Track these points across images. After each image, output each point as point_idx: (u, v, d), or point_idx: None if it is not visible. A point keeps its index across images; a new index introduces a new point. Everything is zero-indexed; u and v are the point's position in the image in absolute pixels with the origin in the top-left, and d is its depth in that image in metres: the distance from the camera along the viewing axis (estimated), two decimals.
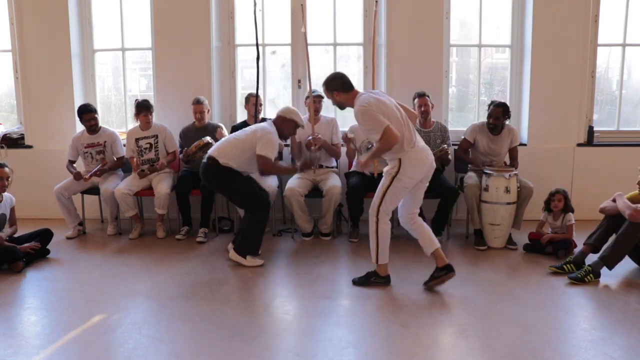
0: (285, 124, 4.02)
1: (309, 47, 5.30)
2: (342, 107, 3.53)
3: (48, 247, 4.24)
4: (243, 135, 3.96)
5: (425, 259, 4.08)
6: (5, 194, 4.09)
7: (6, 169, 3.97)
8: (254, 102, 4.75)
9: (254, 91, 4.72)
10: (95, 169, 4.71)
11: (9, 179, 4.00)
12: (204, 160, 3.96)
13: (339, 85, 3.42)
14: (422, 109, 4.59)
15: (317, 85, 5.24)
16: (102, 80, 5.66)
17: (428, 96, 4.65)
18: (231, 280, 3.68)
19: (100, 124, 4.92)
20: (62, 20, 5.20)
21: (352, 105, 3.41)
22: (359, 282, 3.55)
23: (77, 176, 4.67)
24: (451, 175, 4.96)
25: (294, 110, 4.08)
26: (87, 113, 4.76)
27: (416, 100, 4.63)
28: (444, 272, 3.44)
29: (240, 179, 3.93)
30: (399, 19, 5.06)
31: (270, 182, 4.63)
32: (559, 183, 4.64)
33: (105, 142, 4.86)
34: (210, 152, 3.95)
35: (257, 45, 4.53)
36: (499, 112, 4.46)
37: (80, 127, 5.03)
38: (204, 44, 5.14)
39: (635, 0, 5.14)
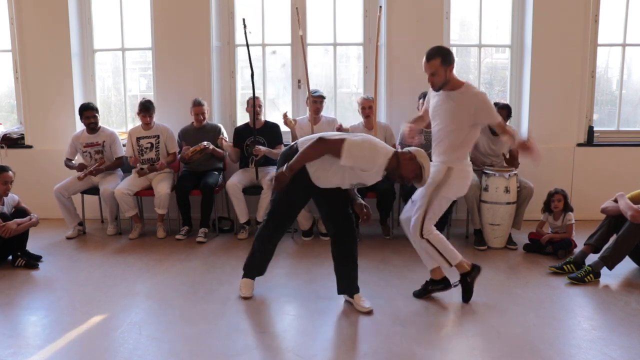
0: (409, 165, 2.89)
1: (309, 47, 5.34)
2: (440, 88, 3.07)
3: (40, 253, 4.17)
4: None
5: None
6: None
7: (10, 173, 4.00)
8: (255, 104, 4.72)
9: (254, 95, 4.70)
10: (91, 167, 4.71)
11: (12, 183, 4.04)
12: None
13: (452, 58, 3.05)
14: None
15: (316, 85, 5.26)
16: (102, 80, 5.66)
17: None
18: (231, 280, 3.68)
19: (100, 123, 4.93)
20: (62, 20, 5.20)
21: (452, 84, 3.07)
22: (467, 296, 3.26)
23: (81, 167, 4.73)
24: None
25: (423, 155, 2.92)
26: (88, 110, 4.78)
27: (420, 100, 4.62)
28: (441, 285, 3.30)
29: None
30: (399, 19, 5.06)
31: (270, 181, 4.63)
32: (559, 183, 4.63)
33: (104, 142, 4.86)
34: None
35: (251, 66, 4.46)
36: (504, 115, 4.44)
37: (80, 127, 5.04)
38: (204, 44, 5.14)
39: (635, 0, 5.15)
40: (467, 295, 3.25)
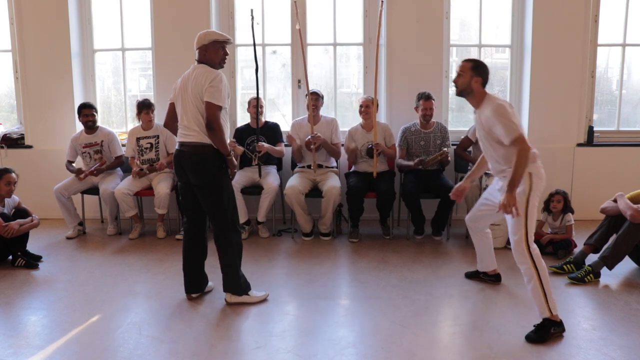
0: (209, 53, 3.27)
1: (309, 47, 5.33)
2: (463, 94, 3.06)
3: (40, 253, 4.19)
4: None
5: (425, 259, 4.09)
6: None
7: (13, 174, 4.03)
8: (254, 104, 4.73)
9: (254, 93, 4.71)
10: (92, 167, 4.72)
11: (15, 184, 4.06)
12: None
13: (485, 75, 3.03)
14: (427, 112, 4.59)
15: (316, 85, 5.26)
16: (102, 80, 5.66)
17: (434, 99, 4.63)
18: None
19: (100, 123, 4.95)
20: (62, 20, 5.20)
21: (476, 101, 3.04)
22: (537, 338, 2.77)
23: (79, 172, 4.72)
24: (451, 175, 4.96)
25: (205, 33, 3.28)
26: (86, 108, 4.81)
27: (421, 101, 4.61)
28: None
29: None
30: (399, 19, 5.06)
31: (271, 180, 4.63)
32: (559, 183, 4.63)
33: (102, 141, 4.87)
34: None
35: (255, 60, 4.41)
36: None
37: (79, 128, 5.03)
38: None
39: (635, 0, 5.15)
40: (539, 339, 2.78)
